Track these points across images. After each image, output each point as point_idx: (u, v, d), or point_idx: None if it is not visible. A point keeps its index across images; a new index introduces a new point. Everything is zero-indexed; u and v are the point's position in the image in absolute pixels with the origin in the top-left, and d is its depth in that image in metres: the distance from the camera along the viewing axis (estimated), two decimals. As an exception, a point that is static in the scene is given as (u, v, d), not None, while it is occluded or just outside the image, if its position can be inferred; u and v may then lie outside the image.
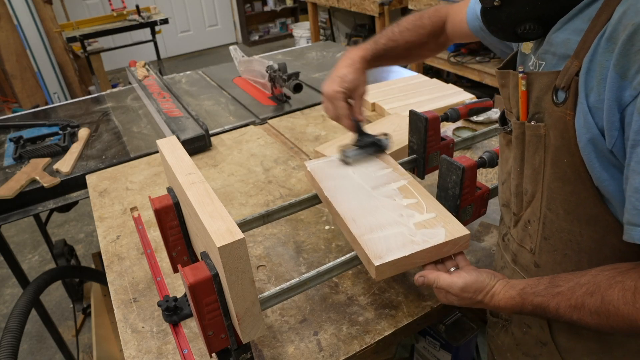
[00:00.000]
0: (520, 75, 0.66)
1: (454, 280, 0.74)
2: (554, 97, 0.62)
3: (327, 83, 1.00)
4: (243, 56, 2.18)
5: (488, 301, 0.72)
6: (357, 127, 1.01)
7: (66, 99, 4.64)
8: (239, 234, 0.62)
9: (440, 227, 0.81)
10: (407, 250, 0.76)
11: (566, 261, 0.70)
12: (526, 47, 0.72)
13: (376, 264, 0.74)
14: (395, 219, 0.84)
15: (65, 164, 1.51)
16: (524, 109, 0.67)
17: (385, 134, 1.03)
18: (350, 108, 1.00)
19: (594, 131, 0.57)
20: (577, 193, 0.63)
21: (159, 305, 0.91)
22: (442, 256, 0.80)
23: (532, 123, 0.66)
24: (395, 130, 1.47)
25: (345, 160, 1.00)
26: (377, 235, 0.80)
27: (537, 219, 0.70)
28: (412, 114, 1.02)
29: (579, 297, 0.61)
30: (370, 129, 1.54)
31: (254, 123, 1.76)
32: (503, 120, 0.78)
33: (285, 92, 1.89)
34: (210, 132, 1.62)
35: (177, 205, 0.81)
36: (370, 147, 1.02)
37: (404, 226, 0.82)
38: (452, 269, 0.79)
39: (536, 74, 0.65)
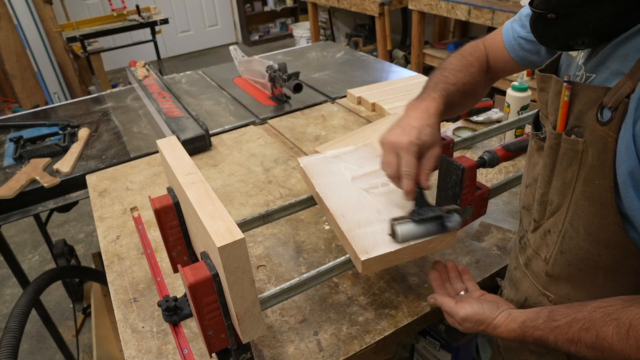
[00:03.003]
0: (565, 85, 0.62)
1: (456, 309, 0.78)
2: (599, 115, 0.58)
3: (396, 132, 0.80)
4: (243, 56, 2.19)
5: (490, 332, 0.74)
6: (419, 196, 0.80)
7: (66, 99, 4.64)
8: (239, 234, 0.62)
9: None
10: (394, 246, 0.78)
11: (581, 275, 0.69)
12: (574, 52, 0.68)
13: (362, 258, 0.76)
14: (383, 215, 0.85)
15: (65, 164, 1.51)
16: (563, 120, 0.64)
17: (455, 208, 0.80)
18: (418, 169, 0.79)
19: (634, 160, 0.54)
20: (600, 216, 0.61)
21: (159, 305, 0.91)
22: (429, 252, 0.81)
23: (571, 137, 0.63)
24: (395, 130, 1.47)
25: (395, 236, 0.78)
26: (364, 231, 0.81)
27: (558, 231, 0.69)
28: (412, 114, 1.01)
29: (576, 332, 0.62)
30: (370, 129, 1.55)
31: (254, 123, 1.76)
32: (537, 123, 0.76)
33: (285, 92, 1.89)
34: (210, 132, 1.62)
35: (177, 205, 0.81)
36: (431, 223, 0.79)
37: None
38: (462, 292, 0.83)
39: (582, 86, 0.61)
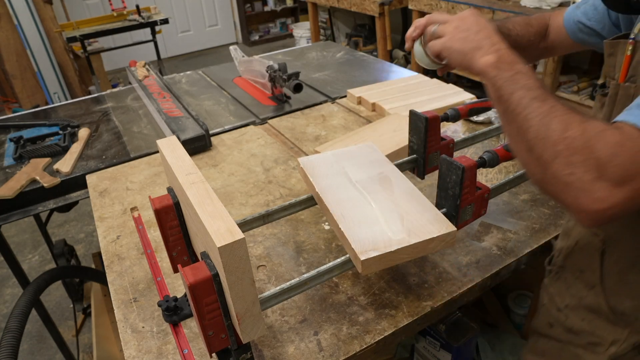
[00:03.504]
0: (629, 41, 0.69)
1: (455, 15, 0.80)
2: None
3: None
4: (243, 56, 2.19)
5: (474, 55, 0.72)
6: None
7: (66, 99, 4.64)
8: (239, 234, 0.62)
9: (428, 223, 0.82)
10: (394, 246, 0.78)
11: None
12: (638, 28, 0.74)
13: (362, 258, 0.76)
14: (383, 214, 0.85)
15: (65, 164, 1.51)
16: (624, 72, 0.70)
17: None
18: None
19: None
20: None
21: (159, 305, 0.91)
22: (429, 252, 0.82)
23: (626, 84, 0.69)
24: (395, 130, 1.47)
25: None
26: (364, 231, 0.81)
27: None
28: (412, 114, 1.02)
29: (531, 99, 0.62)
30: (370, 129, 1.55)
31: (254, 123, 1.76)
32: (603, 87, 0.81)
33: (285, 92, 1.89)
34: (210, 132, 1.62)
35: (177, 205, 0.81)
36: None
37: (392, 222, 0.83)
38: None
39: None
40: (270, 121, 1.76)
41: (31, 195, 1.43)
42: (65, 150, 1.61)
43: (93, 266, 2.47)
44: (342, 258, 0.81)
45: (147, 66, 2.18)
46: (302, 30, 6.00)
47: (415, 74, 2.07)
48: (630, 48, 0.69)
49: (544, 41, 1.05)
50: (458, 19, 0.79)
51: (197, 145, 1.56)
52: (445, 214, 0.86)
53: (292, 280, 0.77)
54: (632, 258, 0.76)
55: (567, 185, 0.56)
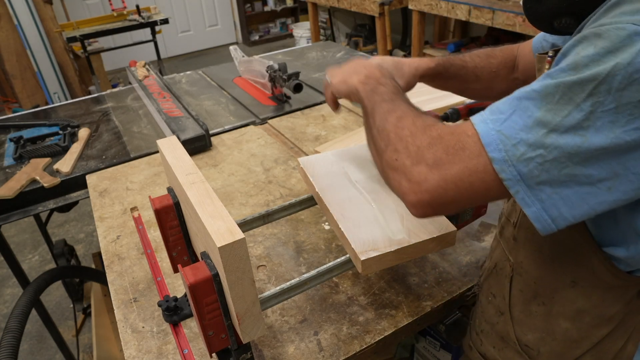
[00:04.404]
0: (548, 58, 0.68)
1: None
2: None
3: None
4: (243, 56, 2.19)
5: (351, 79, 0.79)
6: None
7: (66, 99, 4.64)
8: (239, 234, 0.62)
9: (428, 223, 0.82)
10: (394, 246, 0.78)
11: (534, 240, 0.73)
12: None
13: (362, 258, 0.76)
14: (383, 214, 0.85)
15: (65, 164, 1.51)
16: None
17: None
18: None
19: None
20: None
21: (159, 305, 0.91)
22: (429, 252, 0.82)
23: None
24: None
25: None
26: (364, 231, 0.82)
27: None
28: (412, 114, 1.02)
29: (385, 104, 0.68)
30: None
31: (254, 123, 1.76)
32: None
33: (286, 92, 1.89)
34: (210, 132, 1.62)
35: (177, 205, 0.81)
36: None
37: (392, 222, 0.83)
38: None
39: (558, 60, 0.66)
40: (270, 121, 1.76)
41: (31, 195, 1.43)
42: (65, 150, 1.61)
43: (93, 266, 2.47)
44: (342, 258, 0.81)
45: (147, 66, 2.18)
46: (302, 30, 6.00)
47: (415, 74, 2.07)
48: (547, 67, 0.67)
49: (514, 72, 1.01)
50: (343, 66, 0.86)
51: (197, 145, 1.56)
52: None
53: (292, 280, 0.77)
54: (534, 289, 0.75)
55: (394, 171, 0.61)
